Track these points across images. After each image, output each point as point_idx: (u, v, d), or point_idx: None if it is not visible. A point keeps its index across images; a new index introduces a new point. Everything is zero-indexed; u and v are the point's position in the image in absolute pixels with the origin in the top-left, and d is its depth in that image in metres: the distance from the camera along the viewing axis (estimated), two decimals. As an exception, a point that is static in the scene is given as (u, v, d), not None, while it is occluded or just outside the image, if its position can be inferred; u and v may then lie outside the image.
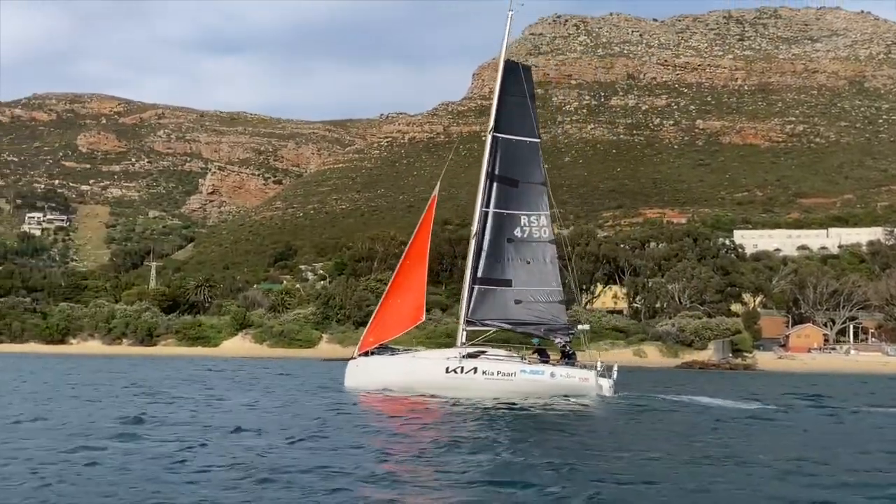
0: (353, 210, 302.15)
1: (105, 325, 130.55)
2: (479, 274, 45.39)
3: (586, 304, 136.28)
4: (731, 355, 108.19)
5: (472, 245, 45.74)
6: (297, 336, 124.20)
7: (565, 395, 41.57)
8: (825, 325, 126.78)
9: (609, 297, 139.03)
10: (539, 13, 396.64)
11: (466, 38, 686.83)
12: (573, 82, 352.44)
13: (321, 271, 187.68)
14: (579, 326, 48.02)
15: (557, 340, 45.04)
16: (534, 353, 44.96)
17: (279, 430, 27.79)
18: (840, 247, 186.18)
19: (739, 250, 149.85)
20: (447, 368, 42.74)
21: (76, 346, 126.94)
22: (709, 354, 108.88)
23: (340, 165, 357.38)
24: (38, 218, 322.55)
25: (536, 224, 45.95)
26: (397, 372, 43.60)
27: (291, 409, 36.45)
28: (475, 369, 42.55)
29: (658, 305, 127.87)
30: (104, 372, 67.67)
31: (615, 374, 43.89)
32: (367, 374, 44.25)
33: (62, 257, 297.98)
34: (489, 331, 46.20)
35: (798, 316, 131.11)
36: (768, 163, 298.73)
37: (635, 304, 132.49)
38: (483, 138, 48.21)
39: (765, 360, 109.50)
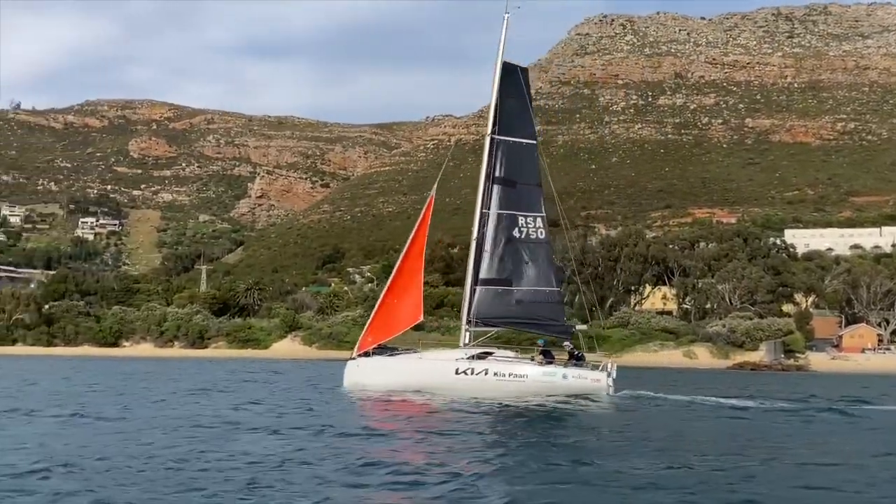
0: (400, 212, 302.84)
1: (157, 327, 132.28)
2: (481, 275, 45.97)
3: (635, 305, 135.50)
4: (783, 356, 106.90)
5: (472, 246, 46.36)
6: (345, 338, 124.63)
7: (576, 396, 41.47)
8: (879, 324, 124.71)
9: (658, 299, 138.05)
10: (585, 13, 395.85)
11: (511, 38, 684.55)
12: (620, 82, 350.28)
13: (368, 273, 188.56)
14: (577, 327, 48.84)
15: (566, 343, 45.50)
16: (540, 353, 44.88)
17: (361, 430, 27.84)
18: (894, 245, 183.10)
19: (791, 250, 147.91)
20: (457, 370, 42.82)
21: (129, 349, 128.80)
22: (760, 355, 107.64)
23: (387, 168, 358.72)
24: (91, 223, 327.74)
25: (533, 225, 46.74)
26: (403, 372, 43.60)
27: (356, 408, 36.61)
28: (486, 371, 42.72)
29: (708, 306, 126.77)
30: (165, 374, 68.37)
31: (614, 374, 43.70)
32: (370, 374, 44.24)
33: (115, 261, 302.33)
34: (491, 331, 46.77)
35: (851, 316, 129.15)
36: (819, 161, 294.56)
37: (685, 305, 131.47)
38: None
39: (818, 360, 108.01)
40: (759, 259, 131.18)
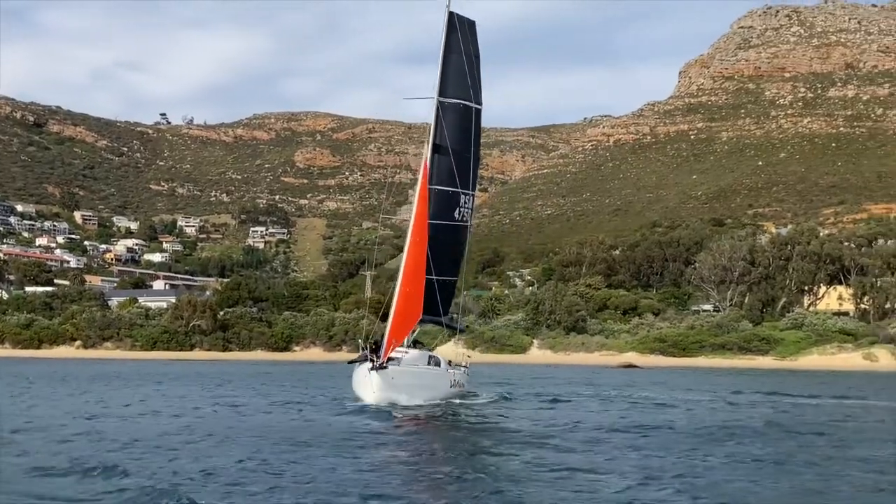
0: (559, 215, 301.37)
1: (325, 332, 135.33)
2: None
3: (809, 306, 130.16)
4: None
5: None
6: (507, 342, 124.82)
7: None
8: None
9: (833, 299, 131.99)
10: (749, 5, 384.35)
11: (669, 35, 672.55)
12: (787, 75, 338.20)
13: (528, 277, 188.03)
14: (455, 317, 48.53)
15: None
16: (414, 345, 43.28)
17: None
18: None
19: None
20: (450, 382, 42.74)
21: (299, 354, 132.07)
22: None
23: (545, 171, 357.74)
24: (261, 232, 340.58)
25: (467, 205, 42.66)
26: (434, 387, 40.96)
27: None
28: (456, 382, 43.32)
29: (888, 306, 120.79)
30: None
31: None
32: (406, 387, 38.69)
33: (284, 268, 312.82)
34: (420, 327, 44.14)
35: None
36: None
37: (863, 306, 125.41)
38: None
39: None
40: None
